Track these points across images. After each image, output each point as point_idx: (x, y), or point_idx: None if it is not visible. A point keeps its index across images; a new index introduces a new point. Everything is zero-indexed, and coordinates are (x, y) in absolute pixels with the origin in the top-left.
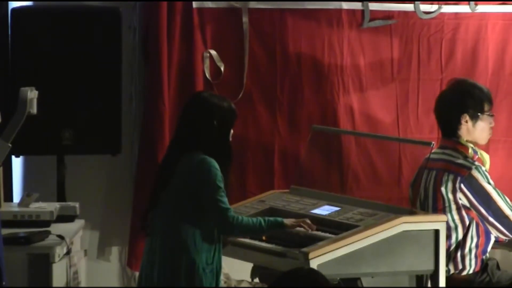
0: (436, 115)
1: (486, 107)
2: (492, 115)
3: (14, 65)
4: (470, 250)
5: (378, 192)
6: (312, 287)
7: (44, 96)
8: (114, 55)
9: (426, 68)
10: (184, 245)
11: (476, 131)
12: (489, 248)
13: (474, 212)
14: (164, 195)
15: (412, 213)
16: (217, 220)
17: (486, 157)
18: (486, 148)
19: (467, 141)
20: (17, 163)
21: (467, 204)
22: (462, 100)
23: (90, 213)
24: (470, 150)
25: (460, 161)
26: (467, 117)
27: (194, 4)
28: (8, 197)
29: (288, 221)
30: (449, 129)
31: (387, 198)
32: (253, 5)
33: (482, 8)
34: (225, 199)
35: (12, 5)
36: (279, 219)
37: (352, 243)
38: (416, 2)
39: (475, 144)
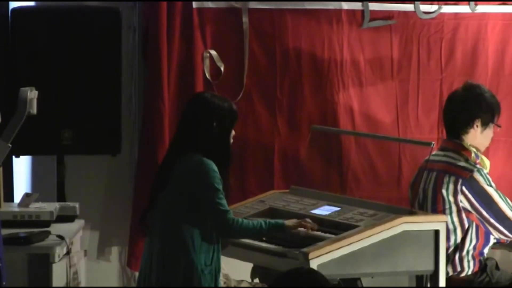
0: (445, 114)
1: (495, 118)
2: (499, 126)
3: (14, 65)
4: (468, 252)
5: (378, 192)
6: (312, 287)
7: (44, 96)
8: (114, 55)
9: (426, 68)
10: (182, 246)
11: (482, 137)
12: (486, 250)
13: (474, 214)
14: (163, 196)
15: (412, 213)
16: (216, 222)
17: (486, 162)
18: (486, 149)
19: (470, 145)
20: (17, 163)
21: (468, 207)
22: (478, 104)
23: (90, 213)
24: (472, 154)
25: (462, 163)
26: (479, 122)
27: (194, 4)
28: (9, 197)
29: (289, 222)
30: (455, 130)
31: (387, 198)
32: (253, 5)
33: (482, 8)
34: (224, 201)
35: (12, 5)
36: (280, 221)
37: (352, 243)
38: (416, 2)
39: (476, 149)
